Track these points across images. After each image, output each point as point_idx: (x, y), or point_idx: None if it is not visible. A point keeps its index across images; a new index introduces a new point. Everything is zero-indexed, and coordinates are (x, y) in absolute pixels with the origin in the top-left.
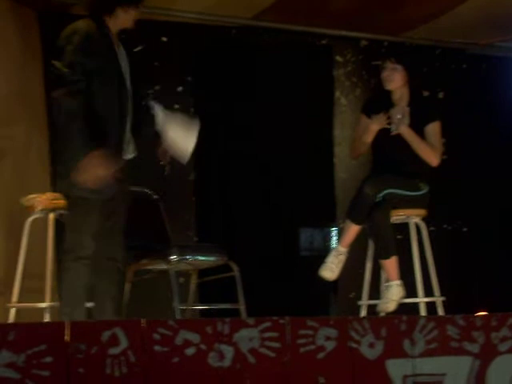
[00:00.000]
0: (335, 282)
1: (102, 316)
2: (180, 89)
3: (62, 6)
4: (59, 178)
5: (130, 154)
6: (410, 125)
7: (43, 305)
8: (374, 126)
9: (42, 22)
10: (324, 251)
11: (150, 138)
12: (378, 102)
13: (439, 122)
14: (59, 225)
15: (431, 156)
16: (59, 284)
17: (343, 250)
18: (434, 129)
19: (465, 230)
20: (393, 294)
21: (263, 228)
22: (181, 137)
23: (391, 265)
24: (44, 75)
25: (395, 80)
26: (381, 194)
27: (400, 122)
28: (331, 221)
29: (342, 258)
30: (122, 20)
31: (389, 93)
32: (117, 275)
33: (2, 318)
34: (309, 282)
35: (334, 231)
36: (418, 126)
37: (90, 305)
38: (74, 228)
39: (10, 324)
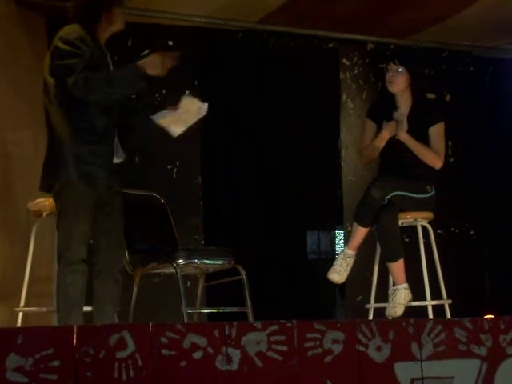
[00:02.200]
0: (343, 285)
1: (103, 320)
2: (187, 92)
3: (68, 11)
4: (50, 175)
5: (118, 158)
6: (413, 127)
7: (51, 309)
8: (386, 133)
9: (49, 26)
10: (331, 254)
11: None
12: (382, 105)
13: (443, 124)
14: None
15: (433, 159)
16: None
17: (351, 252)
18: (437, 131)
19: (472, 232)
20: (400, 298)
21: (270, 231)
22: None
23: (398, 268)
24: None
25: (398, 82)
26: (388, 197)
27: (399, 128)
28: (339, 224)
29: (350, 260)
30: (109, 23)
31: (393, 96)
32: (116, 282)
33: (9, 322)
34: (316, 286)
35: (342, 234)
36: (421, 128)
37: (88, 309)
38: (64, 232)
39: (17, 328)
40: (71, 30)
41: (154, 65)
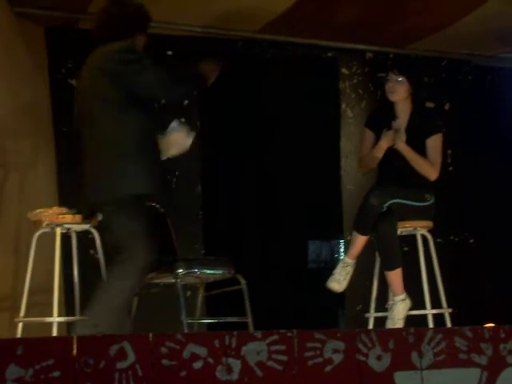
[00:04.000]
0: (342, 294)
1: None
2: (186, 102)
3: (67, 22)
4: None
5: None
6: (411, 137)
7: (51, 319)
8: (384, 143)
9: (48, 36)
10: (331, 263)
11: None
12: (381, 115)
13: (440, 135)
14: (66, 239)
15: (428, 171)
16: (67, 297)
17: (350, 261)
18: (434, 142)
19: (472, 241)
20: (398, 313)
21: (270, 241)
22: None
23: (396, 277)
24: (50, 89)
25: (398, 92)
26: (386, 204)
27: (397, 137)
28: (339, 233)
29: (350, 269)
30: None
31: (392, 105)
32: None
33: (9, 333)
34: (316, 295)
35: (342, 243)
36: (419, 138)
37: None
38: (133, 236)
39: (17, 339)
40: None
41: None
